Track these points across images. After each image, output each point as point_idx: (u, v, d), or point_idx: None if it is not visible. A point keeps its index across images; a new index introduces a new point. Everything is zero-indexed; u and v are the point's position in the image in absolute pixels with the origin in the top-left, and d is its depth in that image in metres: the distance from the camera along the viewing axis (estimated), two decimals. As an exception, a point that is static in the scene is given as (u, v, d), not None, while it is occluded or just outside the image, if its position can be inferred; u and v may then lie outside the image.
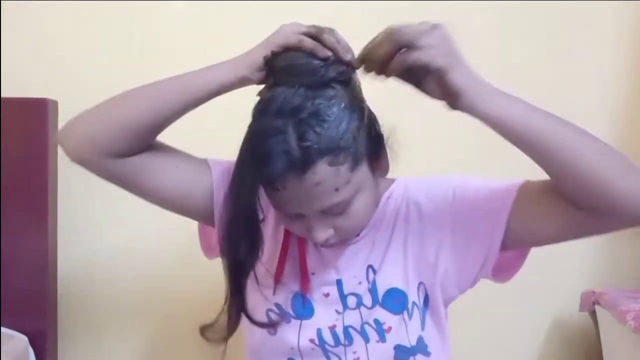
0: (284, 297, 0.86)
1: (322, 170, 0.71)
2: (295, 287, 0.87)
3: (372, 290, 0.85)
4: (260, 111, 0.74)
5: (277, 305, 0.86)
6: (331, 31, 0.76)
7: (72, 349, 1.45)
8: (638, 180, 0.71)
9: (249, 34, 1.45)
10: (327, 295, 0.86)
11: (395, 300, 0.84)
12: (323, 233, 0.78)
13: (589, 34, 1.46)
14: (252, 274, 0.83)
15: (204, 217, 0.89)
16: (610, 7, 1.45)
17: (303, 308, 0.85)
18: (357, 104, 0.75)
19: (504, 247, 0.83)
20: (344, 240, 0.83)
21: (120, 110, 0.80)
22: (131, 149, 0.80)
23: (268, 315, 0.86)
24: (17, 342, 1.23)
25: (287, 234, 0.88)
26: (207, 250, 0.95)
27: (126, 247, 1.44)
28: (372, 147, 0.77)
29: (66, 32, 1.41)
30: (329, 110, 0.72)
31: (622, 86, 1.47)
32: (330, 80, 0.74)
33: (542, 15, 1.44)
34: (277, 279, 0.86)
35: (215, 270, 0.96)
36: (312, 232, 0.78)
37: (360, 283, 0.86)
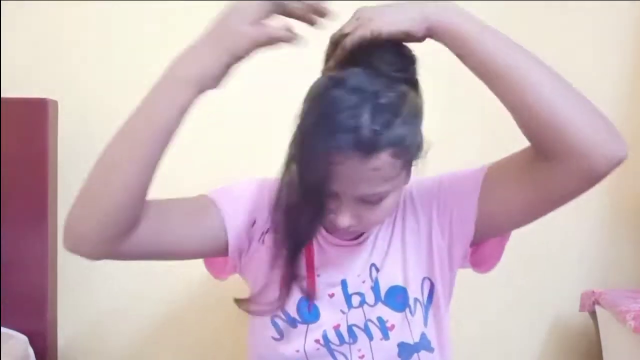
0: (290, 302, 0.86)
1: (385, 158, 0.72)
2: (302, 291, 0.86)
3: (375, 288, 0.85)
4: (335, 85, 0.72)
5: (283, 311, 0.86)
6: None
7: (72, 349, 1.45)
8: (598, 122, 0.71)
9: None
10: (332, 295, 0.86)
11: (397, 298, 0.85)
12: (348, 219, 0.77)
13: (589, 34, 1.46)
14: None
15: (218, 251, 0.87)
16: (612, 7, 1.45)
17: (309, 312, 0.85)
18: (420, 109, 0.77)
19: (483, 233, 0.84)
20: (361, 230, 0.83)
21: (108, 191, 0.71)
22: (137, 216, 0.74)
23: (274, 322, 0.86)
24: (17, 342, 1.23)
25: None
26: (217, 272, 0.95)
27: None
28: (416, 154, 0.78)
29: (66, 32, 1.41)
30: (405, 105, 0.73)
31: (623, 84, 1.47)
32: (405, 78, 0.75)
33: (542, 15, 1.44)
34: (283, 286, 0.86)
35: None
36: (339, 215, 0.77)
37: (364, 282, 0.86)
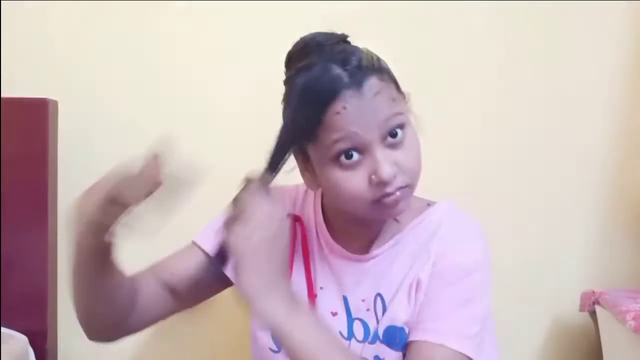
0: None
1: (375, 82, 0.76)
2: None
3: (378, 326, 0.84)
4: (300, 72, 0.77)
5: None
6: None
7: (72, 349, 1.45)
8: None
9: (249, 35, 1.45)
10: (335, 314, 0.85)
11: (395, 337, 0.83)
12: (389, 167, 0.74)
13: (588, 32, 1.46)
14: None
15: (222, 284, 0.92)
16: (612, 7, 1.45)
17: None
18: (374, 54, 0.80)
19: None
20: (408, 190, 0.79)
21: (85, 304, 0.86)
22: (127, 300, 0.87)
23: (274, 337, 0.84)
24: (17, 342, 1.23)
25: (292, 252, 0.87)
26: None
27: (127, 246, 1.43)
28: (398, 86, 0.82)
29: (66, 32, 1.41)
30: (359, 48, 0.79)
31: (621, 85, 1.47)
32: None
33: (542, 15, 1.44)
34: None
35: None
36: (378, 168, 0.74)
37: (368, 310, 0.84)
